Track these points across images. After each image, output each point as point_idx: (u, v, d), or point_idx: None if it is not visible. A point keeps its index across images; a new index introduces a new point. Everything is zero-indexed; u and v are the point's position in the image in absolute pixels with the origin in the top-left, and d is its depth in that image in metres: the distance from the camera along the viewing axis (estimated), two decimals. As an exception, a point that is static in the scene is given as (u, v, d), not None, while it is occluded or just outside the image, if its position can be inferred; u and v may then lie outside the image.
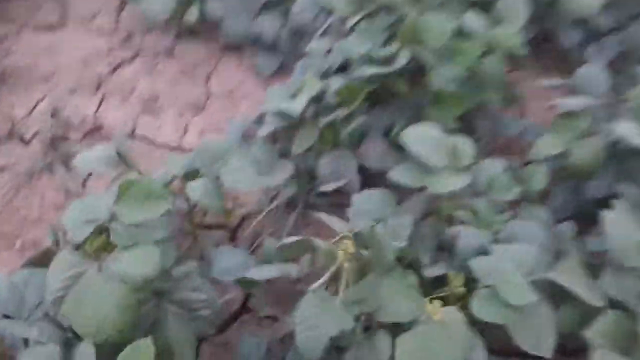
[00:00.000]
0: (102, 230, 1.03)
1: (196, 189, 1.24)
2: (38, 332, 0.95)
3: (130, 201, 1.03)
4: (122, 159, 1.31)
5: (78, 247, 1.03)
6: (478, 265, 1.06)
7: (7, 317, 1.01)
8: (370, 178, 1.47)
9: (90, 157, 1.31)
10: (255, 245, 1.46)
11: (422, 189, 1.25)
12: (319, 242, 1.04)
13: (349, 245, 0.97)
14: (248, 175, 1.30)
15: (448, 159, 1.20)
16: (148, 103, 1.80)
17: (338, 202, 1.49)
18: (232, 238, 1.50)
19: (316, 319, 0.95)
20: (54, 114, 1.73)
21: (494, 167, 1.27)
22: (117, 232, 1.01)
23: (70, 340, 0.97)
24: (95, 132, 1.73)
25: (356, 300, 0.98)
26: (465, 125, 1.55)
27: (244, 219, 1.53)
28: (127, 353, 0.89)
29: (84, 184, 1.59)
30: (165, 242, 1.07)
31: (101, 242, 1.01)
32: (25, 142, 1.68)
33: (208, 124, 1.77)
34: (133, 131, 1.74)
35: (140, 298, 1.01)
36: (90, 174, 1.61)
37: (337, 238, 1.05)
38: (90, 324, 0.94)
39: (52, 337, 0.95)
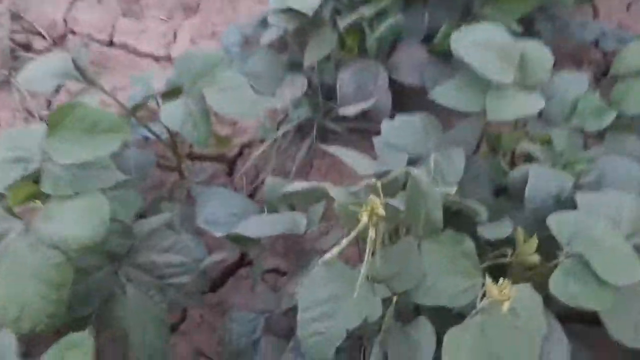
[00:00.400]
0: (33, 174, 0.74)
1: (173, 114, 0.93)
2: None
3: (69, 134, 0.73)
4: (81, 73, 1.00)
5: None
6: (558, 222, 0.75)
7: None
8: (404, 97, 1.14)
9: (40, 69, 1.00)
10: (255, 185, 1.17)
11: (476, 113, 0.92)
12: (337, 192, 0.73)
13: (375, 203, 0.65)
14: (244, 94, 0.98)
15: (515, 73, 0.87)
16: (128, 3, 1.47)
17: (362, 128, 1.17)
18: (229, 173, 1.21)
19: (329, 304, 0.66)
20: (15, 17, 1.41)
21: (577, 83, 0.93)
22: (50, 176, 0.72)
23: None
24: (64, 39, 1.42)
25: (386, 276, 0.69)
26: (524, 29, 1.20)
27: (243, 149, 1.23)
28: (56, 351, 0.63)
29: (49, 106, 1.29)
30: (124, 188, 0.78)
31: (29, 191, 0.72)
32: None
33: (201, 28, 1.44)
34: (111, 38, 1.42)
35: (87, 266, 0.74)
36: (57, 92, 1.31)
37: (361, 186, 0.74)
38: (11, 309, 0.67)
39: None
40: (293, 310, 0.75)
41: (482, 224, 0.79)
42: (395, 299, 0.70)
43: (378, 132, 0.98)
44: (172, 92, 1.01)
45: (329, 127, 1.20)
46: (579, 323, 0.81)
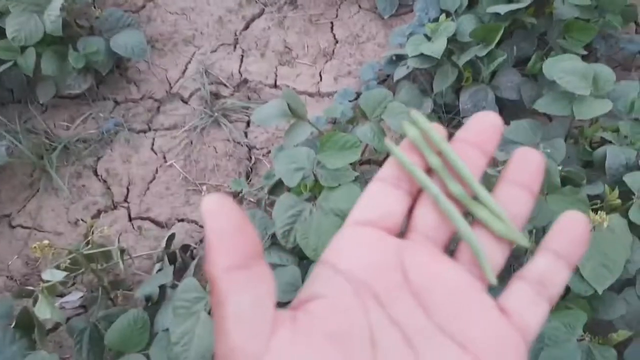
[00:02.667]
0: (308, 176, 1.25)
1: (365, 132, 1.43)
2: (279, 258, 1.19)
3: (331, 150, 1.24)
4: (293, 111, 1.51)
5: (290, 189, 1.25)
6: (631, 179, 1.22)
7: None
8: (507, 109, 1.63)
9: (267, 111, 1.52)
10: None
11: (564, 116, 1.40)
12: (489, 171, 1.22)
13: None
14: (405, 115, 1.48)
15: (590, 88, 1.34)
16: (283, 55, 1.98)
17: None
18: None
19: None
20: (206, 72, 1.94)
21: (632, 87, 1.40)
22: (322, 176, 1.23)
23: (300, 262, 1.21)
24: (242, 86, 1.94)
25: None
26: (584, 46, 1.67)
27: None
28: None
29: (245, 134, 1.81)
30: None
31: (311, 185, 1.23)
32: (185, 102, 1.91)
33: (339, 69, 1.94)
34: (275, 82, 1.94)
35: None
36: (248, 124, 1.83)
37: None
38: (315, 248, 1.17)
39: (290, 261, 1.19)
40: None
41: (583, 186, 1.26)
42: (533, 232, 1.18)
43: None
44: (356, 119, 1.52)
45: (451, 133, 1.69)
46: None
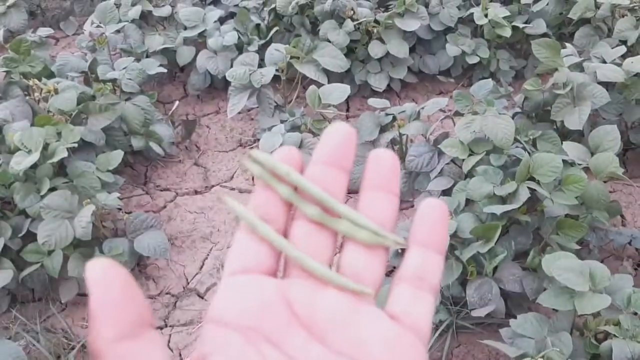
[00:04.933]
0: None
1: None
2: None
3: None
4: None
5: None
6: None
7: None
8: (511, 300, 1.71)
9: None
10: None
11: (567, 310, 1.48)
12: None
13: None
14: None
15: (588, 283, 1.44)
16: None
17: (486, 323, 1.72)
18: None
19: None
20: (222, 267, 2.04)
21: (626, 280, 1.49)
22: None
23: None
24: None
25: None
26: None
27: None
28: None
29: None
30: None
31: None
32: (202, 297, 1.99)
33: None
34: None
35: None
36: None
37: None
38: None
39: None
40: None
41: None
42: None
43: (499, 326, 1.53)
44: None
45: (459, 324, 1.75)
46: None
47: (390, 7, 2.76)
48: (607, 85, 2.04)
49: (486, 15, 2.62)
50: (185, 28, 2.66)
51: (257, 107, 2.46)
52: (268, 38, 2.65)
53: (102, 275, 0.26)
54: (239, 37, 2.57)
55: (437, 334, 1.72)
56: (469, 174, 1.90)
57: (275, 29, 2.66)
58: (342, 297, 0.30)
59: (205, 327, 0.30)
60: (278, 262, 0.32)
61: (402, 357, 0.29)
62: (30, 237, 1.89)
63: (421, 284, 0.31)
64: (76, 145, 2.01)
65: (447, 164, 2.06)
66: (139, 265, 2.07)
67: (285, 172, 0.32)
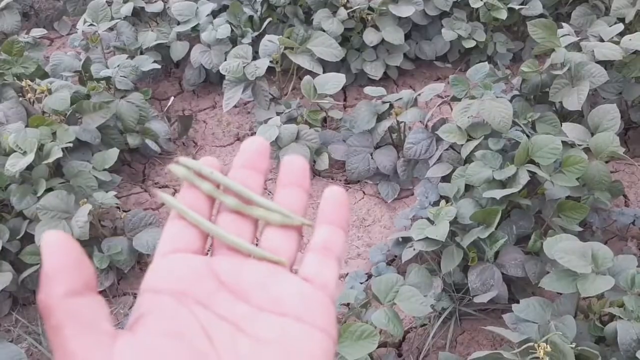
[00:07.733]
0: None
1: (380, 317, 1.48)
2: None
3: (348, 342, 1.28)
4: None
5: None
6: (645, 356, 1.25)
7: None
8: (514, 284, 1.69)
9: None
10: (422, 356, 1.67)
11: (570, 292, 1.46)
12: (508, 356, 1.25)
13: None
14: (420, 299, 1.54)
15: (591, 265, 1.42)
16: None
17: (489, 309, 1.71)
18: (399, 354, 1.72)
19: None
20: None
21: (630, 261, 1.47)
22: (343, 368, 1.26)
23: None
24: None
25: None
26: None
27: (406, 334, 1.75)
28: None
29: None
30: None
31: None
32: None
33: (348, 252, 2.03)
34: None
35: None
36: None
37: (522, 347, 1.26)
38: None
39: None
40: None
41: (597, 363, 1.28)
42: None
43: (502, 311, 1.51)
44: (369, 302, 1.58)
45: (462, 311, 1.73)
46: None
47: (384, -7, 2.73)
48: (606, 64, 2.01)
49: (481, -2, 2.59)
50: (178, 23, 2.63)
51: (253, 100, 2.44)
52: (262, 30, 2.62)
53: (57, 242, 0.30)
54: (232, 30, 2.54)
55: (440, 321, 1.70)
56: (468, 159, 1.88)
57: (268, 20, 2.63)
58: (262, 265, 0.35)
59: (140, 296, 0.33)
60: (205, 244, 0.36)
61: (315, 309, 0.34)
62: (29, 238, 1.88)
63: (327, 252, 0.36)
64: (71, 145, 1.99)
65: (446, 150, 2.04)
66: (139, 263, 2.05)
67: (209, 172, 0.38)
